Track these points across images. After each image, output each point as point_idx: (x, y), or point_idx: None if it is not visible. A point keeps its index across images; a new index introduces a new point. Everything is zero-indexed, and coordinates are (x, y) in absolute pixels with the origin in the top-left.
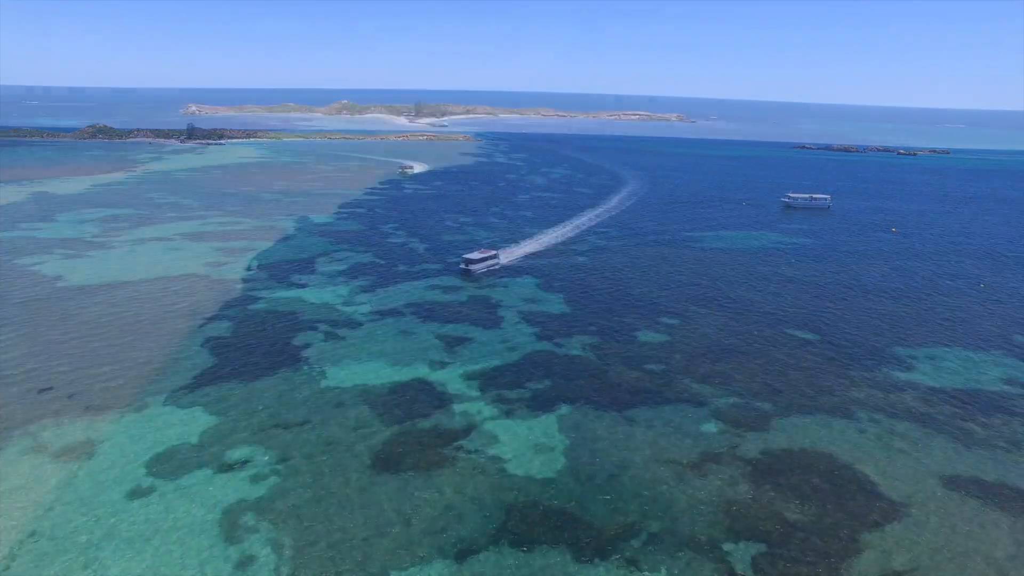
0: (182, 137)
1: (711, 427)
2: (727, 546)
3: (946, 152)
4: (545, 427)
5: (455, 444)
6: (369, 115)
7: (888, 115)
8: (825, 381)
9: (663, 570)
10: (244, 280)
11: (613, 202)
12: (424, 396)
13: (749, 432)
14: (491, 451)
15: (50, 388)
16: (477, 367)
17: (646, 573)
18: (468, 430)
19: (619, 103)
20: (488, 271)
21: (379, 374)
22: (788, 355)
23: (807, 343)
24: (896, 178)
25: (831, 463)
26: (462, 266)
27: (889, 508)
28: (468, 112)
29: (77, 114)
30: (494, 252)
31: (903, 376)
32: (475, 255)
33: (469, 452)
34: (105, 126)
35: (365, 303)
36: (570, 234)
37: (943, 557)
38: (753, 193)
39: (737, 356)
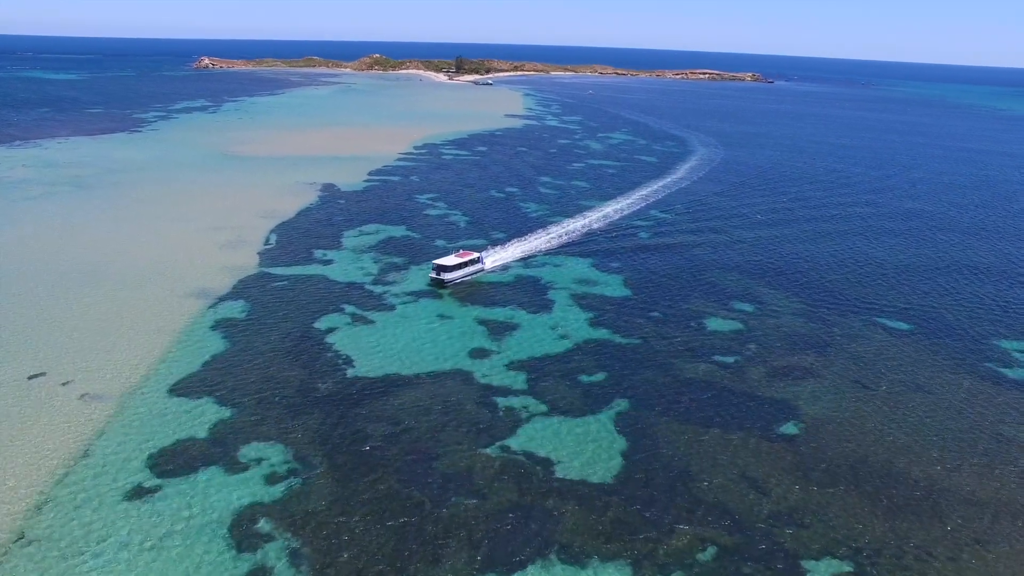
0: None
1: (790, 428)
2: (807, 563)
3: None
4: (600, 425)
5: (498, 443)
6: (404, 71)
7: (991, 77)
8: (921, 377)
9: None
10: (260, 255)
11: (680, 172)
12: (464, 388)
13: (833, 435)
14: (539, 452)
15: (42, 373)
16: (524, 356)
17: None
18: (513, 428)
19: (687, 60)
20: (468, 279)
21: (412, 363)
22: (878, 347)
23: (900, 333)
24: None
25: (928, 471)
26: (432, 275)
27: (993, 526)
28: (516, 69)
29: (78, 67)
30: (476, 255)
31: (1011, 374)
32: (450, 260)
33: (514, 452)
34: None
35: (397, 282)
36: (635, 207)
37: None
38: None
39: (819, 347)
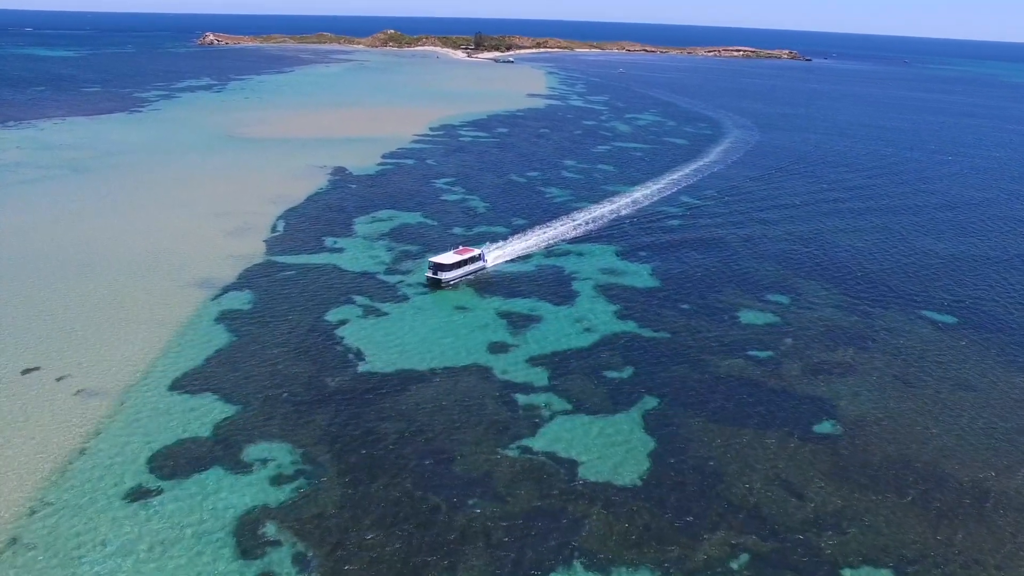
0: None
1: (829, 428)
2: (847, 572)
3: None
4: (626, 425)
5: (519, 443)
6: (420, 47)
7: None
8: (969, 374)
9: None
10: (267, 243)
11: (712, 156)
12: (482, 385)
13: (875, 435)
14: (562, 453)
15: (36, 368)
16: (546, 351)
17: None
18: (534, 427)
19: (720, 37)
20: (468, 279)
21: (428, 358)
22: (923, 342)
23: (947, 327)
24: None
25: (976, 475)
26: (428, 274)
27: None
28: (538, 46)
29: (76, 43)
30: (477, 252)
31: None
32: (449, 257)
33: (536, 453)
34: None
35: (412, 272)
36: (665, 192)
37: None
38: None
39: (860, 342)
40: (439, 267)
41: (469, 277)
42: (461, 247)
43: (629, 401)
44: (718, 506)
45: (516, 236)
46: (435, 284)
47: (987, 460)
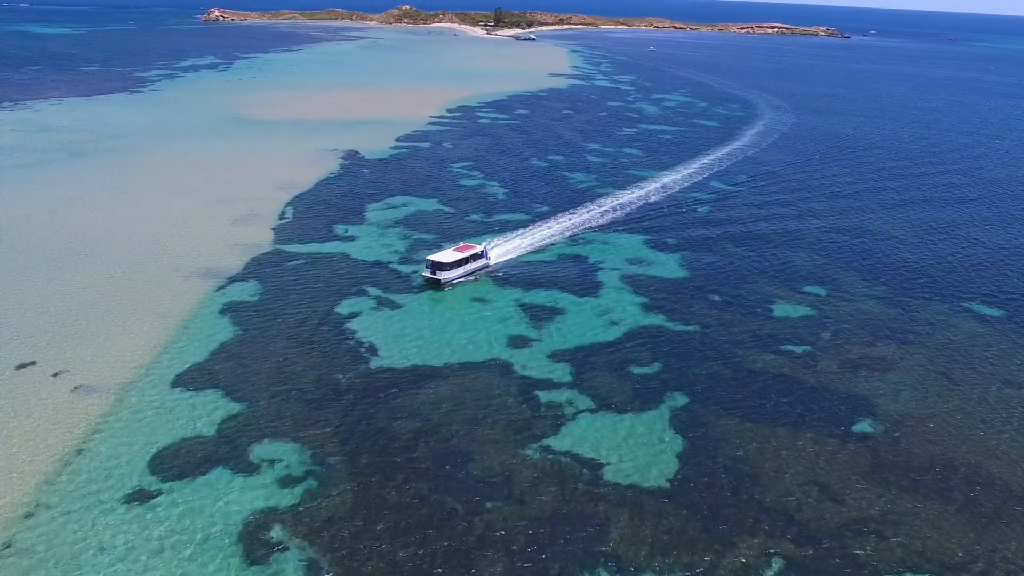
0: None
1: (867, 427)
2: None
3: None
4: (654, 423)
5: (539, 443)
6: (436, 24)
7: None
8: (1016, 371)
9: None
10: (275, 231)
11: (745, 139)
12: (501, 381)
13: (916, 435)
14: (585, 452)
15: (31, 363)
16: (569, 345)
17: None
18: (556, 425)
19: (753, 12)
20: (469, 278)
21: (444, 352)
22: (968, 336)
23: (993, 321)
24: None
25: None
26: (426, 273)
27: None
28: (561, 22)
29: (75, 19)
30: (480, 249)
31: None
32: (449, 256)
33: (557, 453)
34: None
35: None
36: (695, 177)
37: None
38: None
39: (902, 336)
40: (438, 266)
41: (470, 276)
42: (462, 244)
43: (657, 398)
44: (751, 509)
45: (527, 228)
46: (434, 284)
47: None
